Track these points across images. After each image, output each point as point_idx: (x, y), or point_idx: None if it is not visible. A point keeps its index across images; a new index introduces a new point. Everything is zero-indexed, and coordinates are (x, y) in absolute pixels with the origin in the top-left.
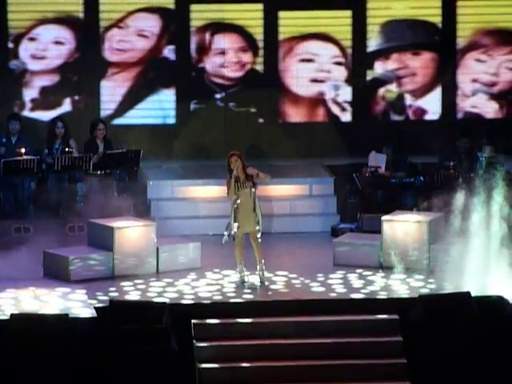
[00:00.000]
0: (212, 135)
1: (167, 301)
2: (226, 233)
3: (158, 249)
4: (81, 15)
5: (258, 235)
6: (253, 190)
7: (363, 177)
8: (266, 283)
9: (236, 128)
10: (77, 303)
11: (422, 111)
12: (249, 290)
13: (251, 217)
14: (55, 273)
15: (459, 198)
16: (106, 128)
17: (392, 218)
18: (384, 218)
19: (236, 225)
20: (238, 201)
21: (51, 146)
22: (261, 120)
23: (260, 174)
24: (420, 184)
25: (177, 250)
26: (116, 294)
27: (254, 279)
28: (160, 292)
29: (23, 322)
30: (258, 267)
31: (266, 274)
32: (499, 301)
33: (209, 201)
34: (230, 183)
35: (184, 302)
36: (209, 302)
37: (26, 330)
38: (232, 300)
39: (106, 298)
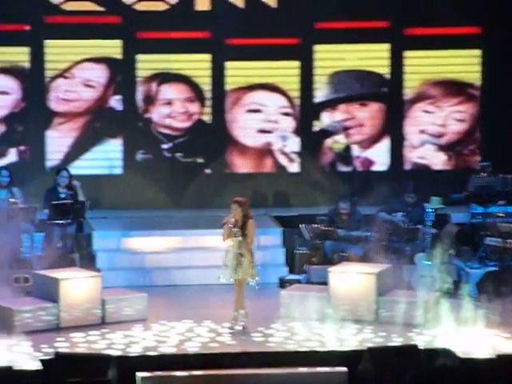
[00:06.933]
0: (159, 186)
1: (113, 353)
2: (221, 275)
3: (103, 300)
4: (26, 65)
5: (252, 283)
6: (240, 239)
7: (311, 228)
8: (213, 335)
9: (183, 178)
10: (22, 355)
11: (369, 162)
12: (198, 344)
13: (236, 264)
14: None
15: (408, 249)
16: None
17: (340, 270)
18: (331, 269)
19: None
20: (230, 243)
21: None
22: (208, 170)
23: (249, 234)
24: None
25: (123, 301)
26: (62, 346)
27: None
28: (106, 344)
29: None
30: (237, 314)
31: (213, 326)
32: (447, 353)
33: (155, 252)
34: (224, 228)
35: (130, 354)
36: (155, 354)
37: None
38: (178, 352)
39: (51, 350)
